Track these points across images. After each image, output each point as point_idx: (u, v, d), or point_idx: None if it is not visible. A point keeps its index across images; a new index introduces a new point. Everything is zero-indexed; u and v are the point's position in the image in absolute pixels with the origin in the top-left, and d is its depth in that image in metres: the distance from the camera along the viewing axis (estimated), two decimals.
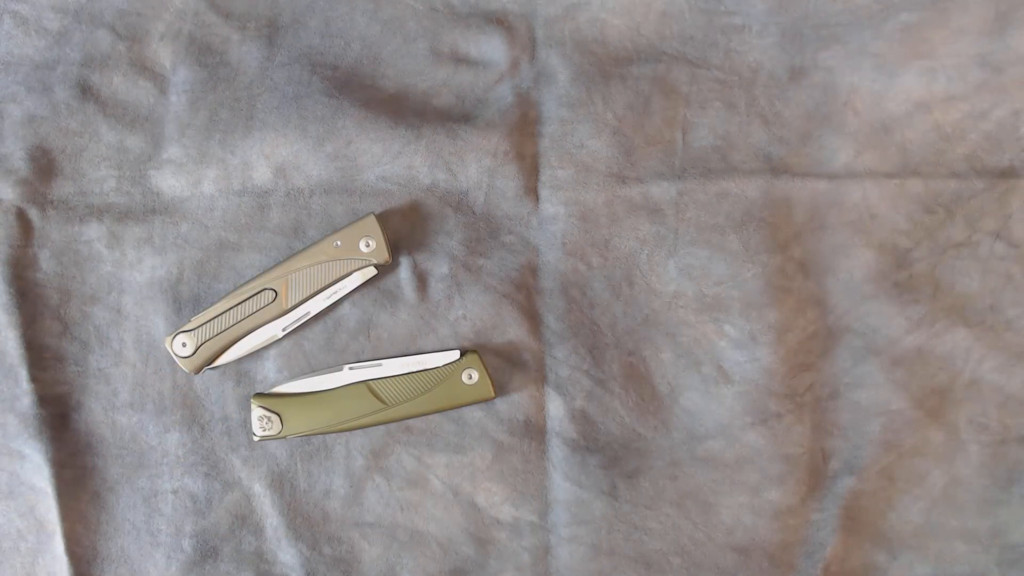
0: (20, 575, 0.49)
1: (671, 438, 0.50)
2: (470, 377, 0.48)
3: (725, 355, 0.49)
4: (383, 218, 0.49)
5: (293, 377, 0.49)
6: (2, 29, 0.50)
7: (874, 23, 0.50)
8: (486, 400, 0.48)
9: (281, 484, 0.49)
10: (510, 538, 0.49)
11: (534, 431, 0.49)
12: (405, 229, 0.49)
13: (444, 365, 0.48)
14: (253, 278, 0.48)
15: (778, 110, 0.50)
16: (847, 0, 0.50)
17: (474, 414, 0.49)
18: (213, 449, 0.49)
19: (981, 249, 0.50)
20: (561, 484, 0.49)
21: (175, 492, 0.49)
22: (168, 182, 0.49)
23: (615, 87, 0.50)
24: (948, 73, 0.50)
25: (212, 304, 0.48)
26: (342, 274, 0.48)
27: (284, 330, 0.48)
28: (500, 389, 0.49)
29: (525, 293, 0.50)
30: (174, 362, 0.49)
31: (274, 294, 0.47)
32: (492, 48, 0.51)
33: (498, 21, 0.51)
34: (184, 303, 0.49)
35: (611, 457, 0.49)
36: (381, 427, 0.49)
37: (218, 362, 0.48)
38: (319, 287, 0.48)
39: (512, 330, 0.49)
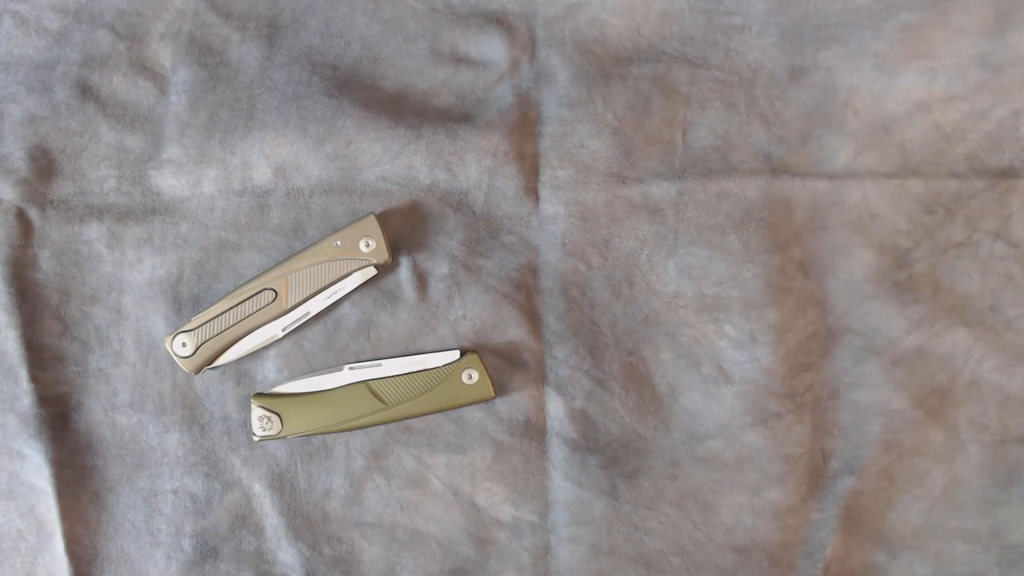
0: (20, 575, 0.49)
1: (671, 438, 0.50)
2: (470, 377, 0.48)
3: (725, 355, 0.49)
4: (383, 218, 0.49)
5: (293, 377, 0.49)
6: (2, 29, 0.50)
7: (874, 23, 0.50)
8: (486, 400, 0.48)
9: (281, 484, 0.49)
10: (510, 538, 0.49)
11: (534, 431, 0.49)
12: (405, 229, 0.49)
13: (444, 365, 0.48)
14: (253, 278, 0.48)
15: (778, 110, 0.50)
16: (847, 0, 0.50)
17: (474, 414, 0.49)
18: (213, 449, 0.49)
19: (981, 249, 0.50)
20: (561, 484, 0.49)
21: (175, 492, 0.49)
22: (168, 182, 0.49)
23: (615, 87, 0.50)
24: (948, 73, 0.50)
25: (212, 304, 0.48)
26: (342, 274, 0.48)
27: (284, 330, 0.48)
28: (500, 389, 0.49)
29: (525, 293, 0.50)
30: (174, 362, 0.49)
31: (274, 294, 0.47)
32: (492, 48, 0.51)
33: (498, 21, 0.51)
34: (184, 303, 0.49)
35: (611, 457, 0.49)
36: (381, 427, 0.49)
37: (218, 362, 0.48)
38: (319, 287, 0.48)
39: (512, 330, 0.49)
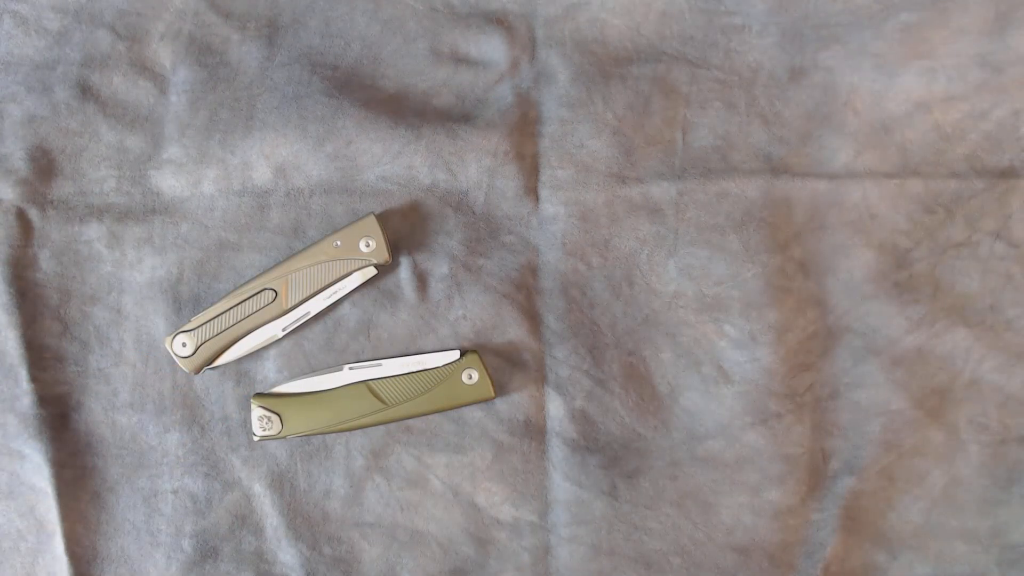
0: (20, 575, 0.49)
1: (671, 438, 0.50)
2: (470, 377, 0.48)
3: (725, 355, 0.49)
4: (383, 218, 0.49)
5: (293, 377, 0.49)
6: (2, 29, 0.50)
7: (874, 23, 0.50)
8: (486, 400, 0.48)
9: (281, 484, 0.49)
10: (510, 538, 0.49)
11: (534, 431, 0.49)
12: (405, 229, 0.49)
13: (444, 365, 0.48)
14: (253, 278, 0.48)
15: (778, 110, 0.50)
16: (847, 0, 0.50)
17: (474, 414, 0.49)
18: (213, 449, 0.49)
19: (981, 249, 0.50)
20: (561, 484, 0.49)
21: (175, 492, 0.49)
22: (168, 182, 0.49)
23: (615, 87, 0.50)
24: (948, 73, 0.50)
25: (212, 304, 0.48)
26: (342, 274, 0.48)
27: (284, 330, 0.48)
28: (500, 389, 0.49)
29: (525, 293, 0.50)
30: (174, 362, 0.49)
31: (274, 294, 0.47)
32: (492, 48, 0.51)
33: (498, 21, 0.51)
34: (184, 303, 0.49)
35: (611, 457, 0.49)
36: (381, 427, 0.49)
37: (218, 362, 0.48)
38: (319, 287, 0.48)
39: (512, 330, 0.49)
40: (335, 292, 0.48)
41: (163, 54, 0.50)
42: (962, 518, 0.50)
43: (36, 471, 0.48)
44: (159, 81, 0.50)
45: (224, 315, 0.47)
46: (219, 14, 0.50)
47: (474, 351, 0.48)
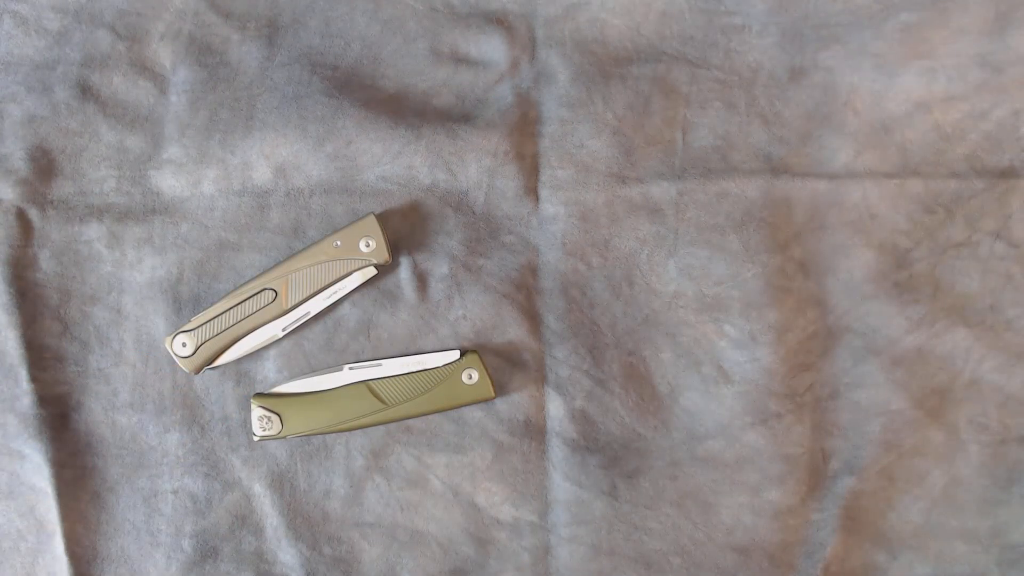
0: (20, 575, 0.49)
1: (671, 438, 0.50)
2: (470, 377, 0.48)
3: (725, 355, 0.49)
4: (383, 218, 0.49)
5: (293, 377, 0.49)
6: (2, 29, 0.50)
7: (874, 23, 0.50)
8: (486, 400, 0.48)
9: (281, 484, 0.49)
10: (510, 538, 0.49)
11: (534, 431, 0.49)
12: (405, 229, 0.49)
13: (444, 365, 0.48)
14: (253, 278, 0.48)
15: (778, 110, 0.50)
16: (847, 0, 0.50)
17: (474, 414, 0.49)
18: (213, 449, 0.49)
19: (981, 249, 0.50)
20: (561, 484, 0.49)
21: (175, 492, 0.49)
22: (168, 182, 0.49)
23: (615, 87, 0.50)
24: (948, 73, 0.50)
25: (212, 304, 0.48)
26: (342, 274, 0.48)
27: (284, 330, 0.48)
28: (500, 389, 0.49)
29: (525, 293, 0.50)
30: (174, 362, 0.49)
31: (274, 294, 0.47)
32: (492, 48, 0.51)
33: (498, 21, 0.51)
34: (184, 303, 0.49)
35: (611, 457, 0.49)
36: (381, 427, 0.49)
37: (218, 362, 0.48)
38: (319, 287, 0.48)
39: (512, 330, 0.49)
40: (335, 292, 0.48)
41: (163, 54, 0.50)
42: (962, 518, 0.50)
43: (36, 471, 0.48)
44: (159, 81, 0.50)
45: (224, 315, 0.47)
46: (219, 14, 0.50)
47: (474, 351, 0.48)
